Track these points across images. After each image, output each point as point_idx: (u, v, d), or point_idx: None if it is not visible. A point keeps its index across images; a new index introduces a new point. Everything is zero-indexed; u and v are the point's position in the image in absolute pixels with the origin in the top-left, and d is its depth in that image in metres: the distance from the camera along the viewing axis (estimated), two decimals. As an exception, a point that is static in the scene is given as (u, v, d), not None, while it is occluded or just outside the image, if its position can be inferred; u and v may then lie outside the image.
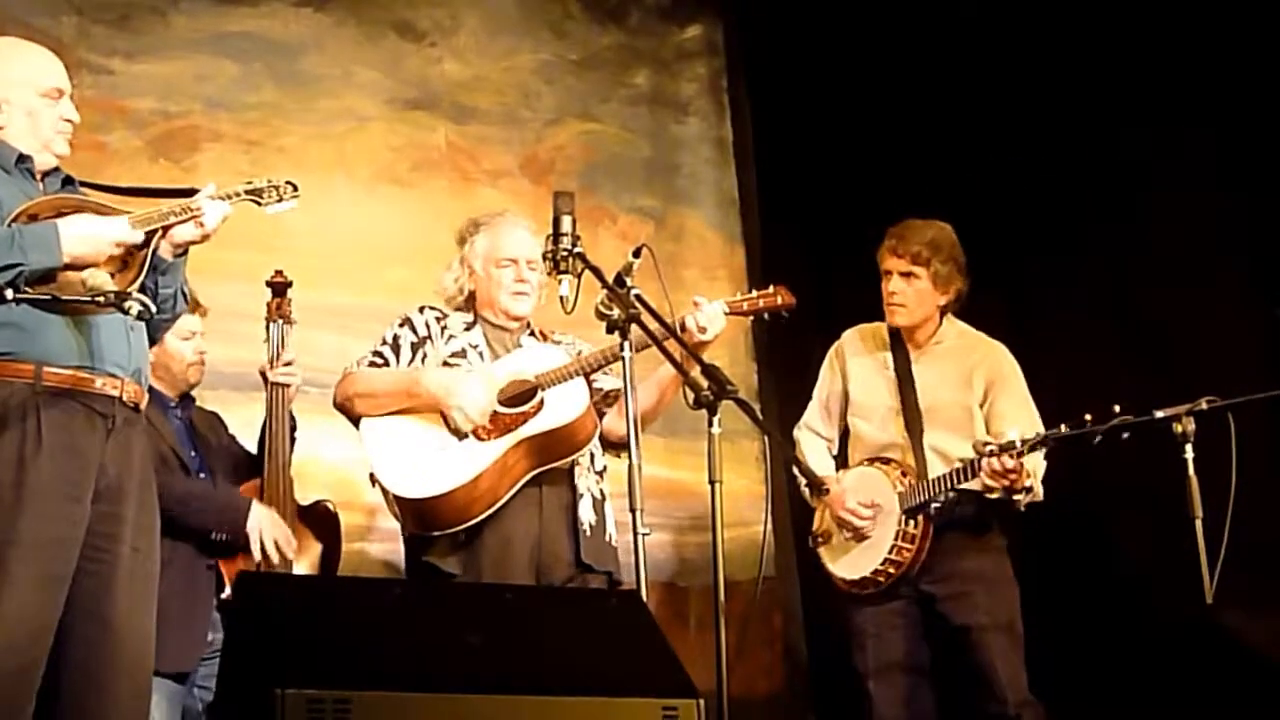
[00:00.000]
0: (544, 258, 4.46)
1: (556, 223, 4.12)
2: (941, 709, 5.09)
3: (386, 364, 4.72)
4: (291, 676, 2.85)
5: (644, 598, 3.74)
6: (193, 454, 5.00)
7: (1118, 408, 4.69)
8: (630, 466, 3.88)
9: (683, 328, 4.56)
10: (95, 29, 6.14)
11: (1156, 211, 5.91)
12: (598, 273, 4.15)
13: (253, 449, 5.10)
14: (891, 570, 5.02)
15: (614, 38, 7.15)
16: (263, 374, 5.09)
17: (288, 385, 5.06)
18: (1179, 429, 4.51)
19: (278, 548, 4.79)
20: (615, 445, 4.81)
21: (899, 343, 5.27)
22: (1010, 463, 4.78)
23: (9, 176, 3.89)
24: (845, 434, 5.37)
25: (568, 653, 3.28)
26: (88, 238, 3.71)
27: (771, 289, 4.80)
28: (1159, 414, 4.57)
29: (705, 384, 3.76)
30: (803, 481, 5.19)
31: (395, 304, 4.95)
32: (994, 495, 4.90)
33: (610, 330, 4.10)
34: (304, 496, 5.07)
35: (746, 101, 7.22)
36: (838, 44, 6.76)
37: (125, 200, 3.99)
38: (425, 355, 4.74)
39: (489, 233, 4.85)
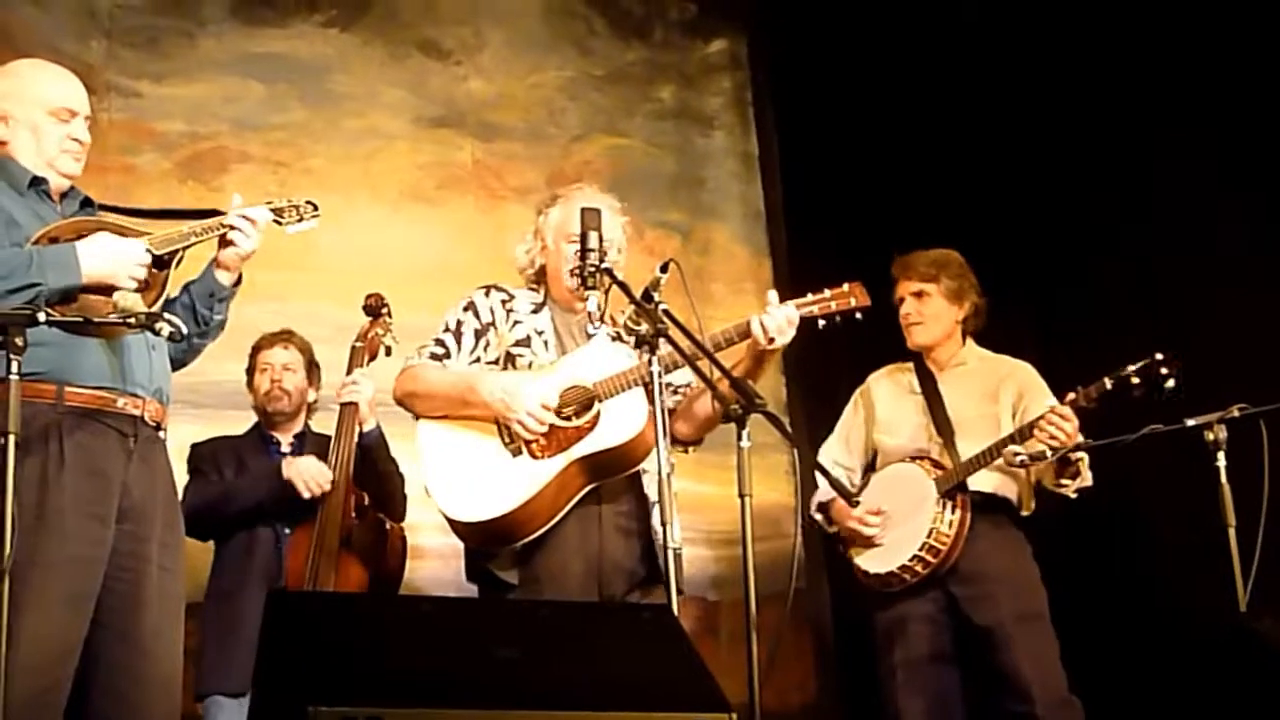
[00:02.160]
0: (570, 274, 4.45)
1: (584, 238, 4.08)
2: (969, 711, 5.05)
3: (448, 354, 4.58)
4: (325, 694, 2.86)
5: (675, 611, 3.74)
6: None
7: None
8: (660, 480, 3.86)
9: (747, 333, 4.41)
10: (124, 52, 6.19)
11: (1185, 218, 5.89)
12: (625, 288, 4.13)
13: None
14: (930, 559, 4.96)
15: (639, 53, 7.17)
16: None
17: (351, 404, 5.14)
18: (1210, 436, 4.49)
19: (317, 483, 5.03)
20: (682, 442, 4.66)
21: (923, 368, 5.27)
22: (1068, 412, 4.75)
23: (23, 199, 3.91)
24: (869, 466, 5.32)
25: (600, 667, 3.28)
26: (106, 257, 3.73)
27: (846, 287, 4.50)
28: (1190, 422, 4.55)
29: (734, 397, 3.76)
30: (817, 510, 5.17)
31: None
32: (1043, 463, 4.84)
33: (638, 345, 4.08)
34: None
35: (771, 115, 7.23)
36: (861, 56, 6.76)
37: (150, 223, 4.02)
38: (488, 343, 4.60)
39: (564, 206, 4.65)
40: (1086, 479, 4.93)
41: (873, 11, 6.71)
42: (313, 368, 5.44)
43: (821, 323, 4.48)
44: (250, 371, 5.40)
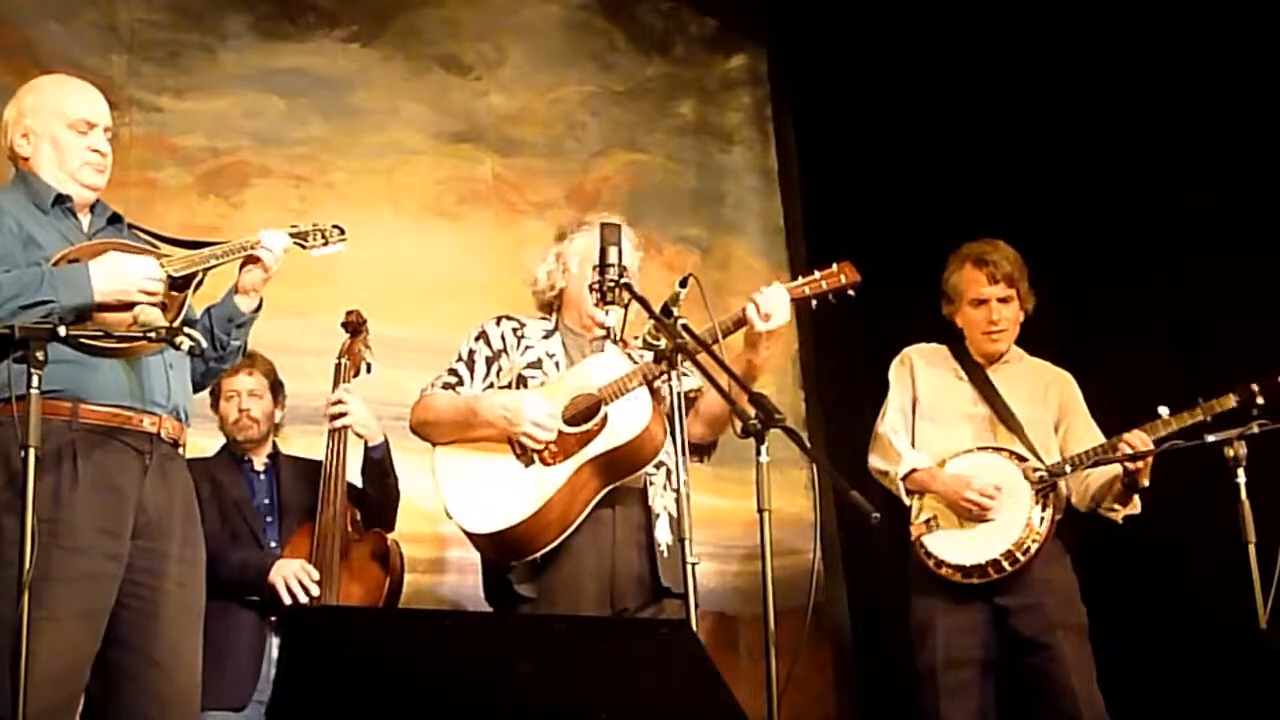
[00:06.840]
0: (590, 289, 4.46)
1: (603, 253, 4.07)
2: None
3: (461, 382, 4.66)
4: (341, 710, 2.86)
5: (694, 627, 3.74)
6: (266, 501, 5.20)
7: (1165, 410, 4.73)
8: (679, 495, 3.87)
9: (742, 320, 4.45)
10: (145, 67, 6.20)
11: (1212, 226, 5.85)
12: (645, 303, 4.14)
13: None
14: (1020, 555, 4.85)
15: (659, 68, 7.17)
16: None
17: (338, 425, 5.13)
18: (1230, 453, 4.48)
19: (303, 587, 4.89)
20: (695, 449, 4.67)
21: (966, 356, 5.19)
22: (1148, 443, 4.73)
23: (46, 216, 3.94)
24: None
25: (618, 683, 3.27)
26: (118, 275, 3.76)
27: (835, 266, 4.59)
28: (1210, 438, 4.55)
29: (753, 413, 3.75)
30: (902, 478, 5.04)
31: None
32: (1112, 495, 4.89)
33: (658, 361, 4.11)
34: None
35: (791, 130, 7.23)
36: (882, 71, 6.76)
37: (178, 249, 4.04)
38: (500, 369, 4.67)
39: (591, 234, 4.60)
40: (1137, 507, 4.92)
41: (893, 27, 6.70)
42: (277, 388, 5.40)
43: (814, 303, 4.58)
44: (215, 395, 5.27)
